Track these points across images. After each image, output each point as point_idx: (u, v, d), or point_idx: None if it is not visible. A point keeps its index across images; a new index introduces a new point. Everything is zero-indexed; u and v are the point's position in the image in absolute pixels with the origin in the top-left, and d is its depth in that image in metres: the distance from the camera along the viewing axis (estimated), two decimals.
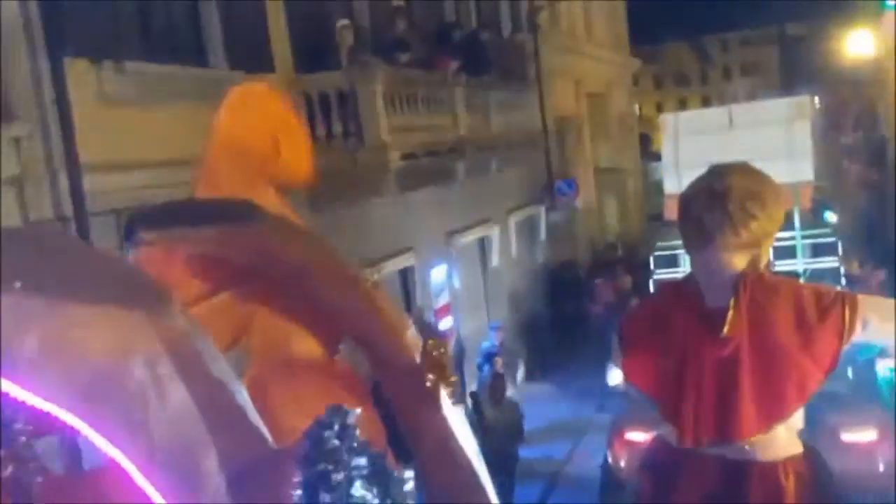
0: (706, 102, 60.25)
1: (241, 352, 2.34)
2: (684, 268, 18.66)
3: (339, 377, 2.33)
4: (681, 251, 18.69)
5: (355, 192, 8.55)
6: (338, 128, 8.76)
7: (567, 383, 12.78)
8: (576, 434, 11.00)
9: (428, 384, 2.11)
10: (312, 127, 8.84)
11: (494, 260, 13.87)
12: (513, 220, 14.76)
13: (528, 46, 16.55)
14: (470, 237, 12.85)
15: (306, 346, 2.36)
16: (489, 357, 10.22)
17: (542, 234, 16.57)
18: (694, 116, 24.27)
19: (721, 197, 2.24)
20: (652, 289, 18.87)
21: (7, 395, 1.39)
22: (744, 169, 2.35)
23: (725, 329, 2.22)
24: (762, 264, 2.34)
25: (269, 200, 2.39)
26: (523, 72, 15.98)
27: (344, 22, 8.91)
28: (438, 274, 11.78)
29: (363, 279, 2.49)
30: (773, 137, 15.61)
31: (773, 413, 2.25)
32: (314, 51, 9.07)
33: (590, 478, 9.52)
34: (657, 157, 22.17)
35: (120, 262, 1.87)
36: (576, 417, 11.11)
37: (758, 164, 2.39)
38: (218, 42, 7.76)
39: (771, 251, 2.45)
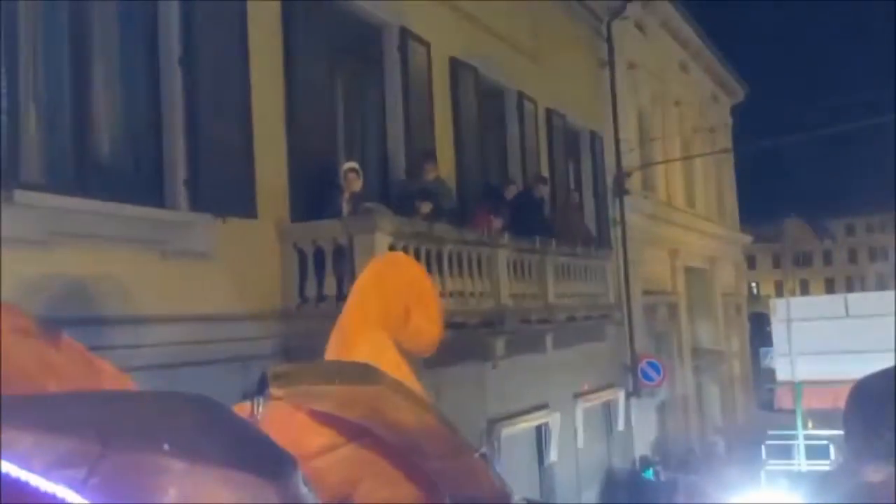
0: (830, 285, 56.55)
1: None
2: (799, 459, 16.29)
3: None
4: (795, 441, 16.49)
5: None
6: (330, 288, 7.13)
7: None
8: None
9: None
10: (302, 287, 7.29)
11: (553, 454, 11.57)
12: (581, 407, 12.52)
13: (612, 211, 14.95)
14: (520, 426, 10.70)
15: None
16: None
17: (621, 425, 14.13)
18: (807, 303, 22.34)
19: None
20: (764, 480, 16.55)
21: None
22: None
23: None
24: None
25: (395, 363, 2.72)
26: (605, 238, 14.26)
27: (350, 164, 7.49)
28: None
29: (471, 450, 2.67)
30: (892, 330, 13.66)
31: None
32: (321, 197, 7.64)
33: None
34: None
35: (253, 427, 1.98)
36: None
37: (876, 357, 1.59)
38: (177, 179, 6.40)
39: None
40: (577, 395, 12.47)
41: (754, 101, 25.91)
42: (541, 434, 11.67)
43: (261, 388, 2.42)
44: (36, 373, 2.15)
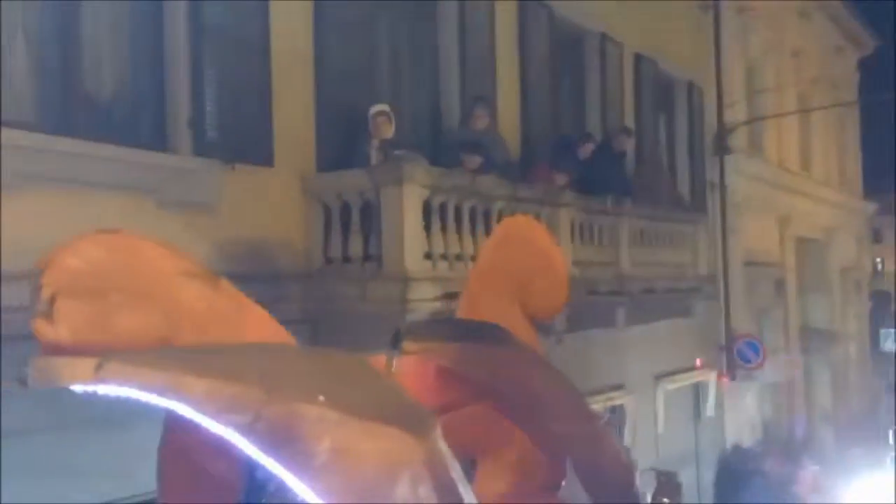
0: None
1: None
2: None
3: None
4: None
5: (363, 339, 5.95)
6: (356, 248, 6.29)
7: None
8: None
9: None
10: (327, 246, 6.49)
11: (627, 438, 10.50)
12: (662, 389, 11.36)
13: (710, 172, 13.49)
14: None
15: (530, 471, 2.70)
16: None
17: (710, 410, 12.85)
18: None
19: None
20: (891, 466, 15.38)
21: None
22: None
23: None
24: None
25: (519, 326, 2.88)
26: (700, 201, 12.87)
27: (379, 107, 6.57)
28: None
29: (596, 415, 2.85)
30: None
31: None
32: (352, 145, 6.78)
33: None
34: None
35: (396, 386, 2.09)
36: None
37: None
38: (180, 120, 5.67)
39: None
40: (658, 377, 11.31)
41: (885, 54, 23.31)
42: (613, 417, 10.63)
43: (395, 342, 2.55)
44: (202, 313, 2.27)
